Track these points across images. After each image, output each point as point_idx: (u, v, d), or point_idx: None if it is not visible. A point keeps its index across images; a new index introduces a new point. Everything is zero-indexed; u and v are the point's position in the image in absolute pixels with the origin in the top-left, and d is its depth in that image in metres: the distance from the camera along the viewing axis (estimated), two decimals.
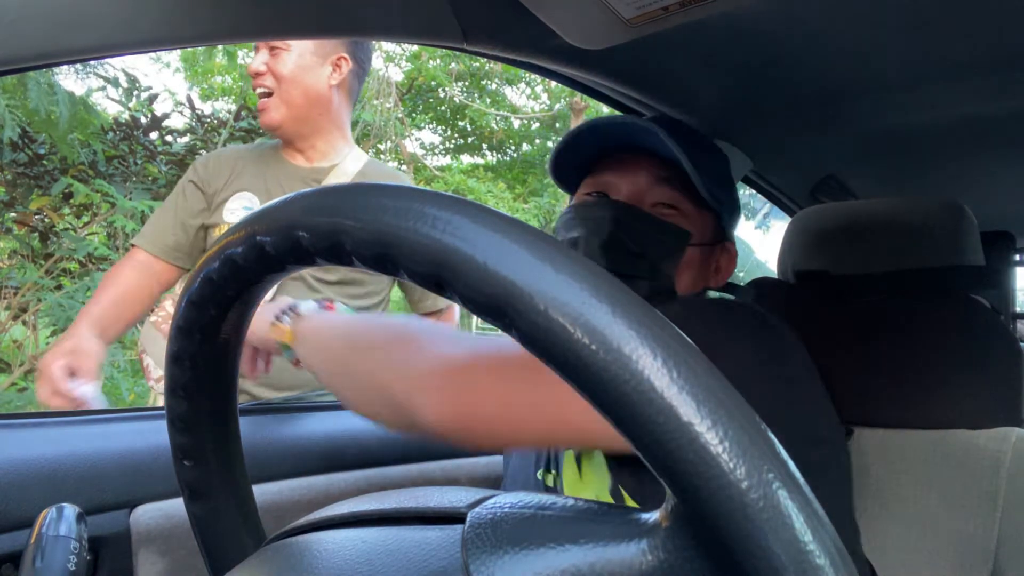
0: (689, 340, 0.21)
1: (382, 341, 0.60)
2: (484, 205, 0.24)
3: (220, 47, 4.23)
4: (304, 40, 1.23)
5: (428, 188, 0.26)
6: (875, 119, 0.96)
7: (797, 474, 0.20)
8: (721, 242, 0.79)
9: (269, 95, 1.26)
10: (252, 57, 1.29)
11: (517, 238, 0.22)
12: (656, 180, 0.73)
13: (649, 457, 0.20)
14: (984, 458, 0.78)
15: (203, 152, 4.39)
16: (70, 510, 0.63)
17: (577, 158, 0.79)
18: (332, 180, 1.29)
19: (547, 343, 0.21)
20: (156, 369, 1.24)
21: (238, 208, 1.30)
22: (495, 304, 0.22)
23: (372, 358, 0.59)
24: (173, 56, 7.59)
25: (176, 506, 0.81)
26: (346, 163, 1.32)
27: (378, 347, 0.59)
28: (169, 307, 1.28)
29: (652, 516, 0.22)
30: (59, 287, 3.78)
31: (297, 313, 0.72)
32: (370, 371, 0.58)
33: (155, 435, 0.84)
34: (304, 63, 1.26)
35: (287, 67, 1.25)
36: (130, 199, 3.67)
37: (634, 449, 0.20)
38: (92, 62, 3.62)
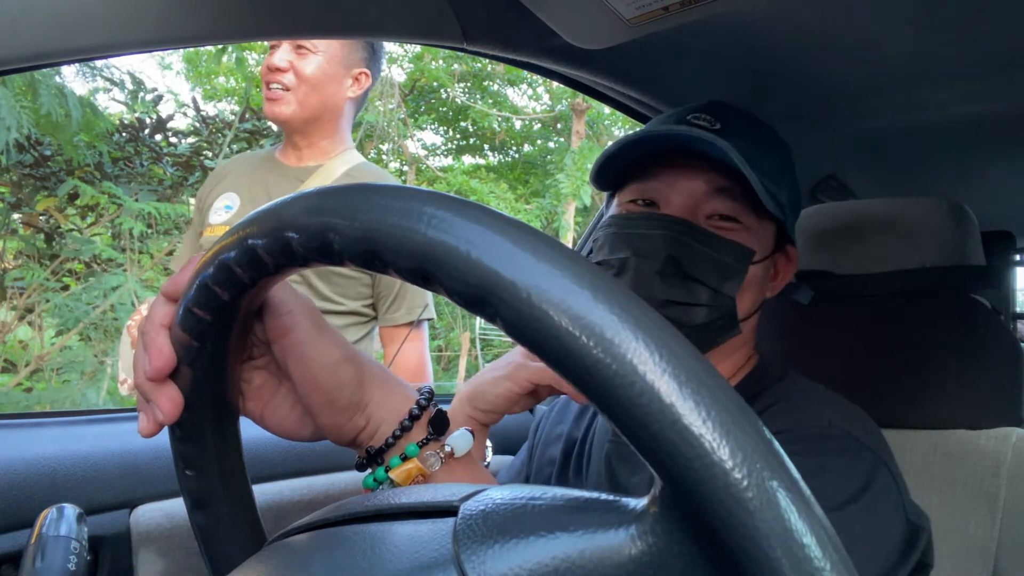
0: (670, 324, 0.21)
1: None
2: (467, 200, 0.24)
3: (231, 51, 4.23)
4: (304, 39, 1.23)
5: (415, 186, 0.26)
6: (875, 119, 0.96)
7: (782, 454, 0.20)
8: (782, 248, 0.71)
9: (285, 90, 1.25)
10: (267, 55, 1.28)
11: (499, 229, 0.22)
12: (713, 190, 0.64)
13: (634, 441, 0.20)
14: (984, 458, 0.77)
15: (208, 153, 4.41)
16: (70, 510, 0.63)
17: (620, 164, 0.68)
18: (317, 179, 1.29)
19: (531, 330, 0.21)
20: (121, 372, 1.30)
21: (220, 207, 1.31)
22: (479, 294, 0.22)
23: None
24: (174, 57, 7.60)
25: (176, 506, 0.81)
26: (334, 163, 1.31)
27: None
28: (145, 311, 1.30)
29: (640, 503, 0.22)
30: (65, 288, 3.79)
31: (448, 455, 0.43)
32: None
33: (155, 436, 0.84)
34: (330, 71, 1.27)
35: (311, 70, 1.25)
36: (136, 200, 3.69)
37: (620, 434, 0.21)
38: (98, 63, 3.64)
